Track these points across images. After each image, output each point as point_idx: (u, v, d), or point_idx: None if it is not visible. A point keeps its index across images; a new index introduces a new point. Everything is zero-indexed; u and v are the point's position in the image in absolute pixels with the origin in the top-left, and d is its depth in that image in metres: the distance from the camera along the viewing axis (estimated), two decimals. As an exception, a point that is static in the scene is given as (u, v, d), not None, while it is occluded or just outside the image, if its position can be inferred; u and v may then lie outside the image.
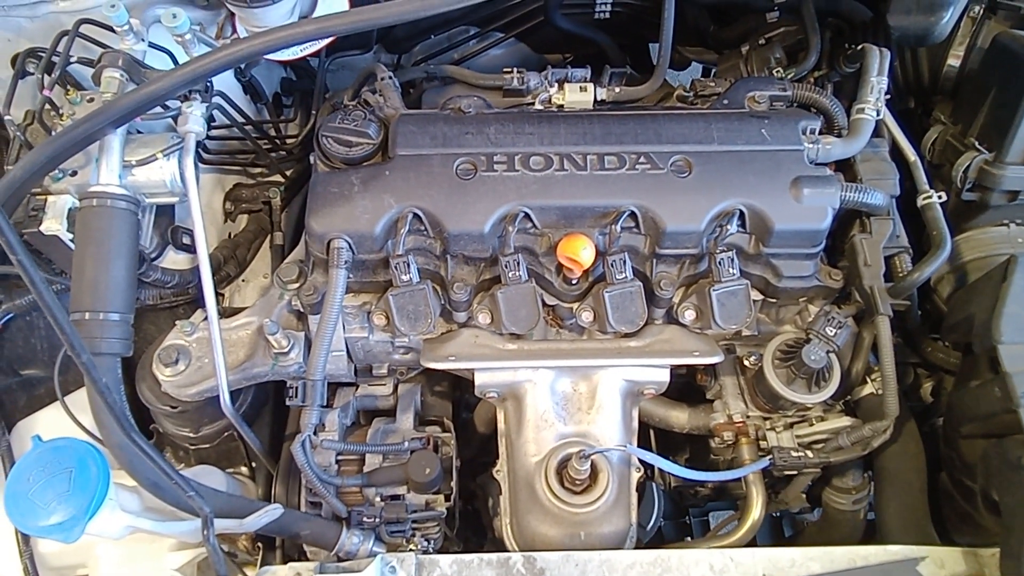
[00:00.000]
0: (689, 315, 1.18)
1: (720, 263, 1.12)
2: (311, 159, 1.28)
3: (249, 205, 1.53)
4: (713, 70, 1.59)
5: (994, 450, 1.02)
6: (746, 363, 1.24)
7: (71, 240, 1.06)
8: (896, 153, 1.23)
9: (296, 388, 1.13)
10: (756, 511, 1.21)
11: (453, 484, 1.20)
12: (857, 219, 1.20)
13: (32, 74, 1.17)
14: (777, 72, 1.36)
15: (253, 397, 1.31)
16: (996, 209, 1.24)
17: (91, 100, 1.11)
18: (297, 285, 1.21)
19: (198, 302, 1.35)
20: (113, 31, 1.05)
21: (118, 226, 0.98)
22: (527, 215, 1.11)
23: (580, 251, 1.09)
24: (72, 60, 1.10)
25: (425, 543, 1.14)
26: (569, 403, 1.17)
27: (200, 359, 1.19)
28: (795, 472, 1.21)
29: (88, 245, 0.97)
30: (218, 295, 1.40)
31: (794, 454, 1.16)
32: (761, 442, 1.25)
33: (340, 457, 1.19)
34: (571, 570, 0.98)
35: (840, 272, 1.19)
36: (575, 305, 1.18)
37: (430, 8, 0.96)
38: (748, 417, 1.24)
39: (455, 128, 1.15)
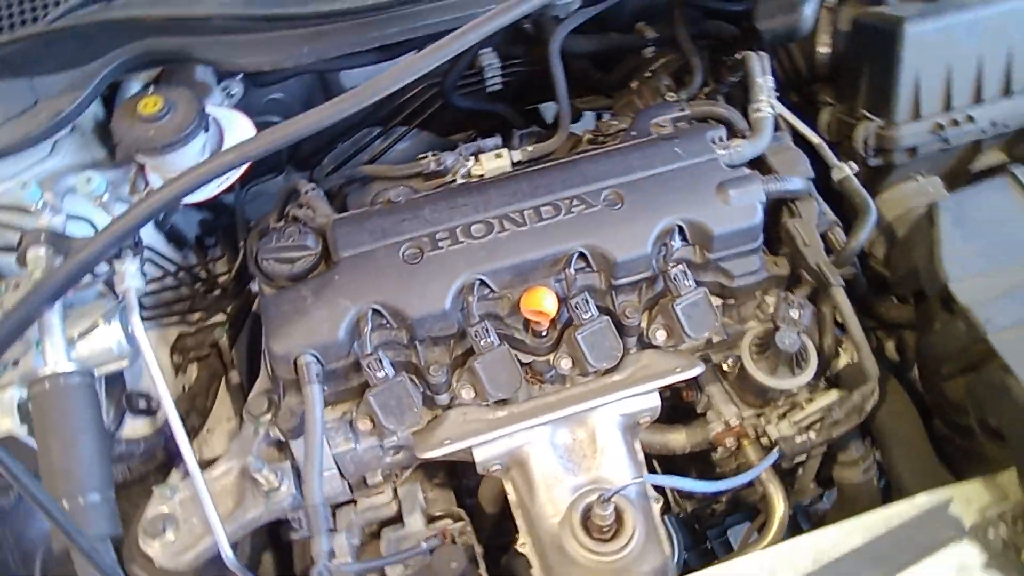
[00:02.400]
0: (660, 335, 1.20)
1: (675, 278, 1.16)
2: (252, 287, 1.27)
3: (197, 352, 1.49)
4: (607, 114, 1.67)
5: (977, 382, 1.07)
6: (725, 367, 1.27)
7: (27, 434, 1.01)
8: (799, 140, 1.31)
9: (299, 519, 1.08)
10: (780, 506, 1.22)
11: (483, 572, 1.16)
12: (783, 207, 1.26)
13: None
14: (670, 97, 1.44)
15: (251, 546, 1.25)
16: (901, 167, 1.33)
17: (17, 285, 1.08)
18: (270, 416, 1.18)
19: (167, 465, 1.29)
20: (27, 211, 1.04)
21: (77, 403, 0.94)
22: (483, 282, 1.13)
23: (542, 302, 1.11)
24: (-11, 251, 1.07)
25: None
26: (573, 454, 1.16)
27: (188, 521, 1.14)
28: (804, 458, 1.22)
29: (49, 432, 0.92)
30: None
31: (799, 439, 1.18)
32: (762, 439, 1.26)
33: (362, 580, 1.14)
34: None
35: (783, 259, 1.24)
36: (551, 356, 1.18)
37: (340, 112, 0.99)
38: (743, 419, 1.26)
39: (391, 218, 1.17)
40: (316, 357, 1.08)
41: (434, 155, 1.39)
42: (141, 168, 1.22)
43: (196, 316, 1.51)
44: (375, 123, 1.75)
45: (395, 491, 1.29)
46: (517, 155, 1.40)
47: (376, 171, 1.44)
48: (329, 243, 1.16)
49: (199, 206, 1.59)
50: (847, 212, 1.31)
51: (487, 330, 1.12)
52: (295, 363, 1.08)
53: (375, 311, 1.10)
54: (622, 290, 1.18)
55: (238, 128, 1.24)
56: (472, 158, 1.39)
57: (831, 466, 1.31)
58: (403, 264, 1.12)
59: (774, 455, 1.18)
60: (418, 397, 1.12)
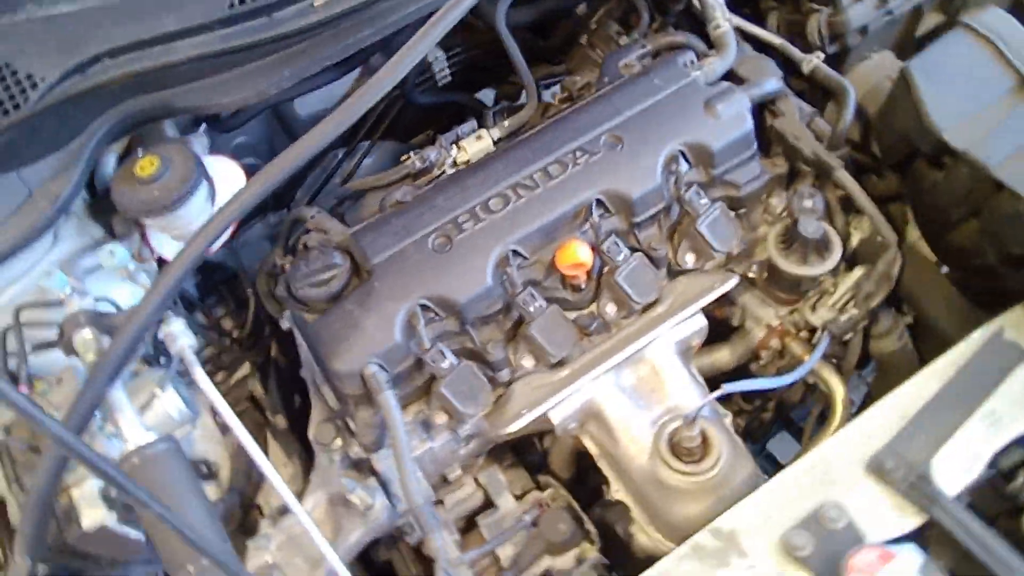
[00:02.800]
0: (689, 258, 1.24)
1: (690, 201, 1.20)
2: (284, 323, 1.26)
3: (235, 409, 1.47)
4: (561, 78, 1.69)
5: (990, 218, 1.13)
6: (751, 275, 1.32)
7: (118, 522, 0.99)
8: (758, 47, 1.37)
9: (410, 523, 1.09)
10: (840, 388, 1.27)
11: (589, 525, 1.18)
12: (764, 111, 1.32)
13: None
14: (624, 41, 1.48)
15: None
16: (855, 49, 1.40)
17: (60, 380, 1.05)
18: (341, 441, 1.18)
19: (244, 526, 1.28)
20: (54, 303, 1.01)
21: (174, 469, 0.92)
22: (515, 251, 1.15)
23: (578, 253, 1.14)
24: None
25: None
26: (641, 391, 1.19)
27: (292, 563, 1.14)
28: (850, 336, 1.28)
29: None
30: (256, 505, 1.33)
31: (843, 318, 1.24)
32: (801, 333, 1.32)
33: (477, 568, 1.15)
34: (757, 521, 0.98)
35: (779, 158, 1.30)
36: (593, 308, 1.21)
37: (337, 128, 1.01)
38: (782, 317, 1.31)
39: (408, 216, 1.18)
40: (380, 365, 1.08)
41: (415, 153, 1.40)
42: (143, 233, 1.20)
43: (219, 376, 1.49)
44: (339, 145, 1.75)
45: (476, 480, 1.30)
46: (496, 132, 1.41)
47: (364, 184, 1.44)
48: (356, 256, 1.16)
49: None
50: (817, 102, 1.37)
51: (532, 295, 1.14)
52: (362, 376, 1.08)
53: (422, 306, 1.11)
54: (642, 226, 1.21)
55: (226, 172, 1.23)
56: (453, 147, 1.40)
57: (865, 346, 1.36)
58: (435, 254, 1.14)
59: (825, 338, 1.23)
60: (484, 378, 1.13)
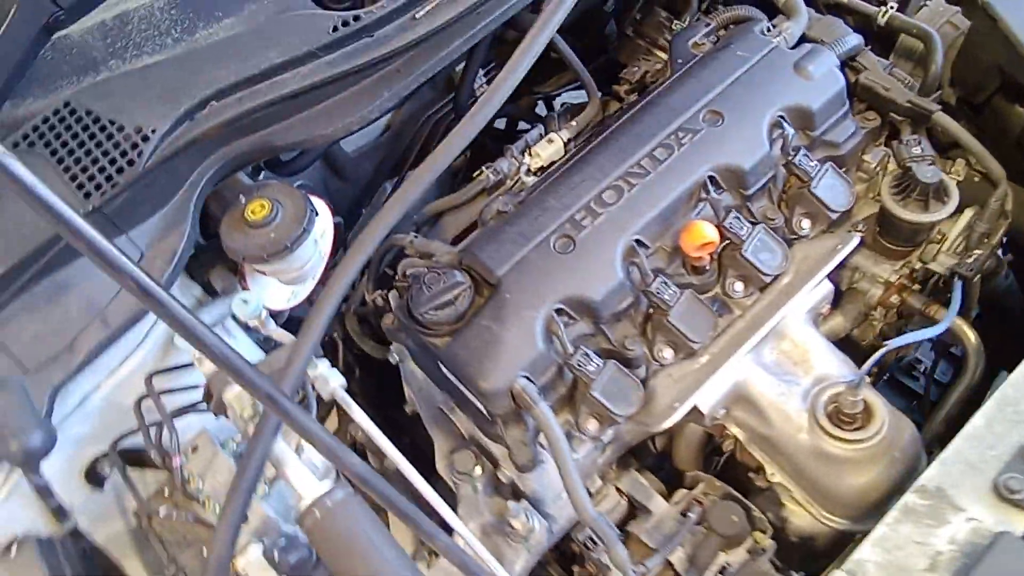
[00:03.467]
0: (805, 224, 1.21)
1: (800, 164, 1.18)
2: (393, 357, 1.21)
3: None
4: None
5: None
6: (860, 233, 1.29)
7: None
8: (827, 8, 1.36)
9: (590, 539, 1.03)
10: (972, 335, 1.24)
11: (757, 512, 1.14)
12: (846, 69, 1.30)
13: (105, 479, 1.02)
14: (676, 26, 1.47)
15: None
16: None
17: (196, 448, 0.99)
18: (481, 468, 1.13)
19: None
20: (190, 365, 0.96)
21: (358, 515, 0.86)
22: (638, 240, 1.11)
23: (704, 232, 1.10)
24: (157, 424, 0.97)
25: None
26: (785, 365, 1.15)
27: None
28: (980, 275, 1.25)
29: (343, 556, 0.84)
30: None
31: (969, 260, 1.21)
32: (915, 287, 1.30)
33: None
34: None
35: (869, 112, 1.28)
36: (718, 288, 1.18)
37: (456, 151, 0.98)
38: (899, 271, 1.29)
39: (523, 222, 1.14)
40: (527, 377, 1.03)
41: (487, 167, 1.37)
42: (244, 284, 1.15)
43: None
44: (386, 176, 1.71)
45: (617, 489, 1.25)
46: (566, 134, 1.39)
47: (441, 205, 1.40)
48: (477, 271, 1.11)
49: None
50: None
51: (666, 283, 1.10)
52: (512, 392, 1.03)
53: (558, 310, 1.07)
54: (755, 197, 1.18)
55: (320, 211, 1.19)
56: (524, 154, 1.37)
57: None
58: (561, 255, 1.10)
59: (958, 289, 1.20)
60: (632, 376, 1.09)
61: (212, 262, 1.16)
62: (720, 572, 1.10)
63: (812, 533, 1.18)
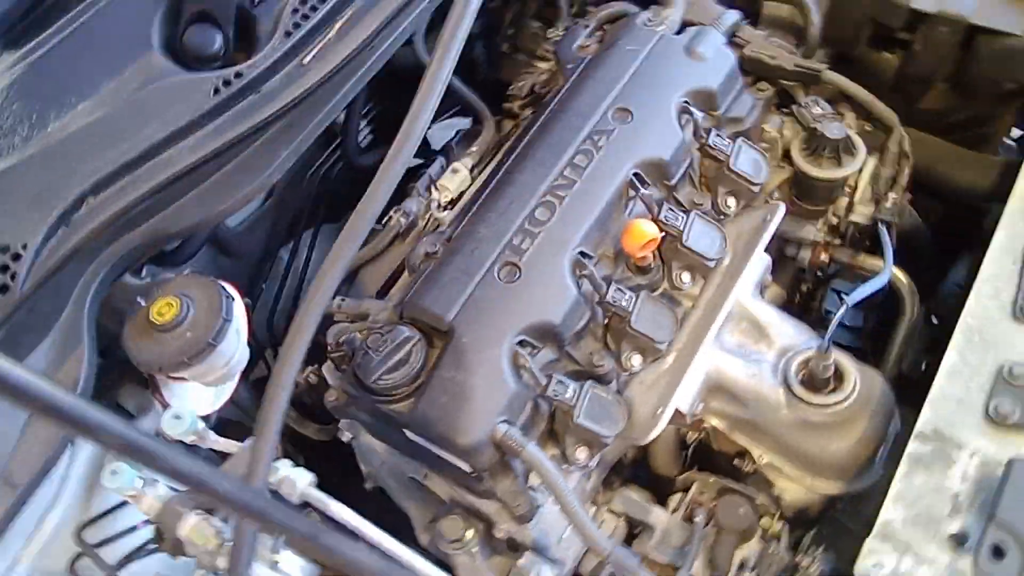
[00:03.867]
0: (731, 202, 1.21)
1: (715, 144, 1.17)
2: (345, 435, 1.11)
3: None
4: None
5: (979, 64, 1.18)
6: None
7: None
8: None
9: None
10: (904, 276, 1.28)
11: (761, 498, 1.11)
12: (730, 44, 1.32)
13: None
14: (552, 34, 1.45)
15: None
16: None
17: None
18: (473, 531, 1.04)
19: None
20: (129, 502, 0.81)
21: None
22: (582, 252, 1.06)
23: (645, 230, 1.06)
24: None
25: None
26: (748, 345, 1.14)
27: None
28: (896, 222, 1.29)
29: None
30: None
31: (888, 204, 1.25)
32: (836, 242, 1.33)
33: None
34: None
35: (760, 83, 1.30)
36: (666, 284, 1.15)
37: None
38: (822, 230, 1.31)
39: (457, 260, 1.06)
40: (508, 421, 0.96)
41: (396, 211, 1.30)
42: (159, 396, 1.01)
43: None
44: (282, 242, 1.59)
45: (610, 511, 1.19)
46: (468, 161, 1.34)
47: (355, 260, 1.31)
48: (424, 321, 1.02)
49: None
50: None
51: (620, 290, 1.06)
52: (494, 440, 0.94)
53: (520, 343, 1.00)
54: (679, 188, 1.17)
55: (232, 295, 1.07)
56: (430, 190, 1.31)
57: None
58: (509, 285, 1.03)
59: (885, 231, 1.23)
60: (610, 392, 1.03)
61: (116, 381, 1.02)
62: (740, 568, 1.07)
63: (806, 504, 1.16)
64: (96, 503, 0.87)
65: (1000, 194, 1.14)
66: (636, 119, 1.15)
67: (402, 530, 1.04)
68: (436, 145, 1.61)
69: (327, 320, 1.19)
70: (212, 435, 0.89)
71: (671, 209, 1.11)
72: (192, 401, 1.04)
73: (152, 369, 0.88)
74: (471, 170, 1.35)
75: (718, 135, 1.18)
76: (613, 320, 1.08)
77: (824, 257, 1.32)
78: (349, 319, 1.11)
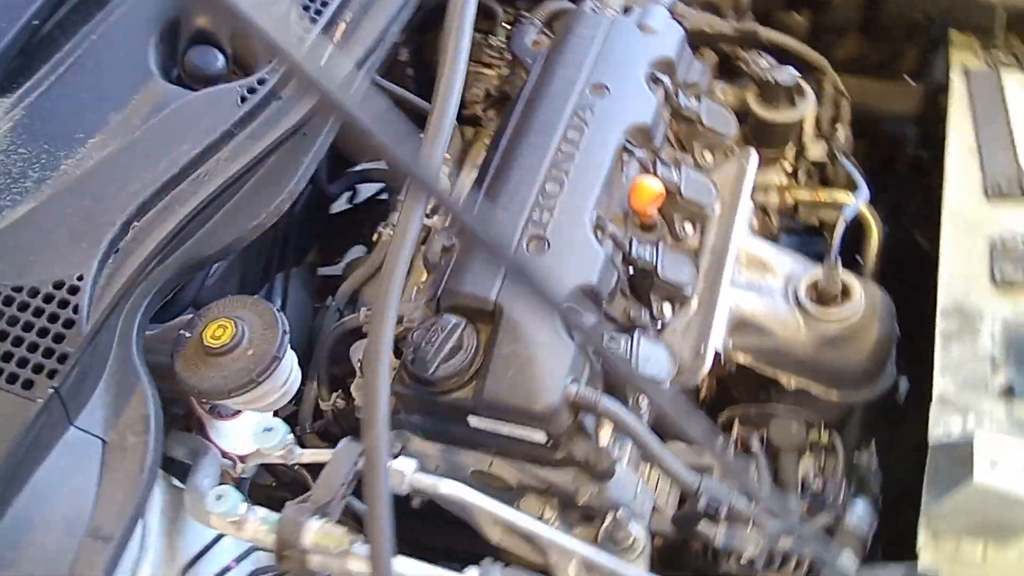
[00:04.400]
0: (708, 157, 1.29)
1: (685, 106, 1.25)
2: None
3: None
4: None
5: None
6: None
7: None
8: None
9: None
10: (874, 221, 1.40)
11: (804, 415, 1.16)
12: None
13: None
14: (493, 41, 1.51)
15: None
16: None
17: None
18: (552, 508, 1.04)
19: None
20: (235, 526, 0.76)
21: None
22: (598, 216, 1.10)
23: (652, 187, 1.13)
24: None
25: None
26: (756, 280, 1.21)
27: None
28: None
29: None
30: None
31: (841, 138, 1.36)
32: (797, 180, 1.44)
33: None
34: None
35: (703, 50, 1.41)
36: (670, 239, 1.21)
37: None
38: (785, 172, 1.41)
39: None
40: (575, 380, 0.97)
41: (384, 227, 1.31)
42: (203, 430, 0.96)
43: None
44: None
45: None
46: (444, 168, 1.37)
47: (356, 280, 1.30)
48: (467, 306, 1.03)
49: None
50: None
51: (642, 245, 1.10)
52: (570, 399, 0.95)
53: (566, 308, 1.02)
54: (662, 150, 1.24)
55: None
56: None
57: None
58: (539, 256, 1.05)
59: (847, 161, 1.34)
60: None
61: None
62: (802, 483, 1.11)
63: (839, 418, 1.23)
64: (181, 548, 0.81)
65: (925, 116, 1.28)
66: (613, 92, 1.22)
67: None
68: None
69: (349, 337, 1.17)
70: (299, 449, 0.86)
71: (666, 165, 1.18)
72: (236, 441, 1.00)
73: (220, 395, 0.83)
74: (449, 175, 1.37)
75: (685, 97, 1.26)
76: (638, 275, 1.12)
77: (790, 200, 1.42)
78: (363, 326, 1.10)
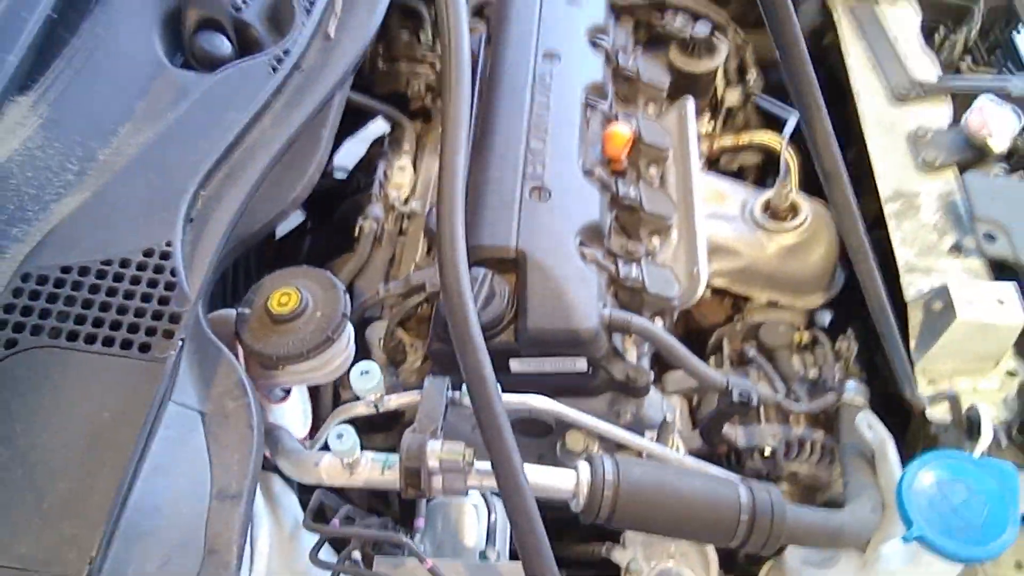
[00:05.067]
0: (651, 108, 1.43)
1: (625, 64, 1.39)
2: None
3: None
4: None
5: None
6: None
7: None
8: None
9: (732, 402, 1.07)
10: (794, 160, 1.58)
11: (787, 318, 1.30)
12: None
13: None
14: (423, 37, 1.58)
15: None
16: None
17: None
18: (594, 441, 1.11)
19: None
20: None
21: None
22: (582, 163, 1.20)
23: (623, 133, 1.24)
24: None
25: None
26: (717, 208, 1.35)
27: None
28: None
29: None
30: None
31: (751, 82, 1.54)
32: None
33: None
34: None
35: (623, 16, 1.55)
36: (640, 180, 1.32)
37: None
38: (708, 122, 1.58)
39: (487, 204, 1.12)
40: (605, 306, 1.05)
41: (363, 218, 1.34)
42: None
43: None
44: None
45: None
46: (407, 158, 1.43)
47: (348, 274, 1.31)
48: (490, 256, 1.08)
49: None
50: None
51: (626, 184, 1.21)
52: (607, 323, 1.03)
53: (579, 244, 1.11)
54: (613, 104, 1.36)
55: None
56: (384, 192, 1.37)
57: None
58: (546, 203, 1.13)
59: (767, 100, 1.52)
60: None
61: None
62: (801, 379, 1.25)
63: (806, 322, 1.37)
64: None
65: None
66: (564, 58, 1.32)
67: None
68: (350, 162, 1.65)
69: (362, 326, 1.19)
70: (387, 396, 0.87)
71: (626, 114, 1.30)
72: (291, 423, 0.99)
73: (298, 358, 0.84)
74: (413, 164, 1.42)
75: (624, 57, 1.39)
76: (625, 212, 1.22)
77: (716, 146, 1.58)
78: (402, 298, 1.13)
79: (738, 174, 1.63)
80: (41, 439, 0.65)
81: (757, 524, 0.81)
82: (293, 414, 0.99)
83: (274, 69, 0.87)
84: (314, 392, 1.13)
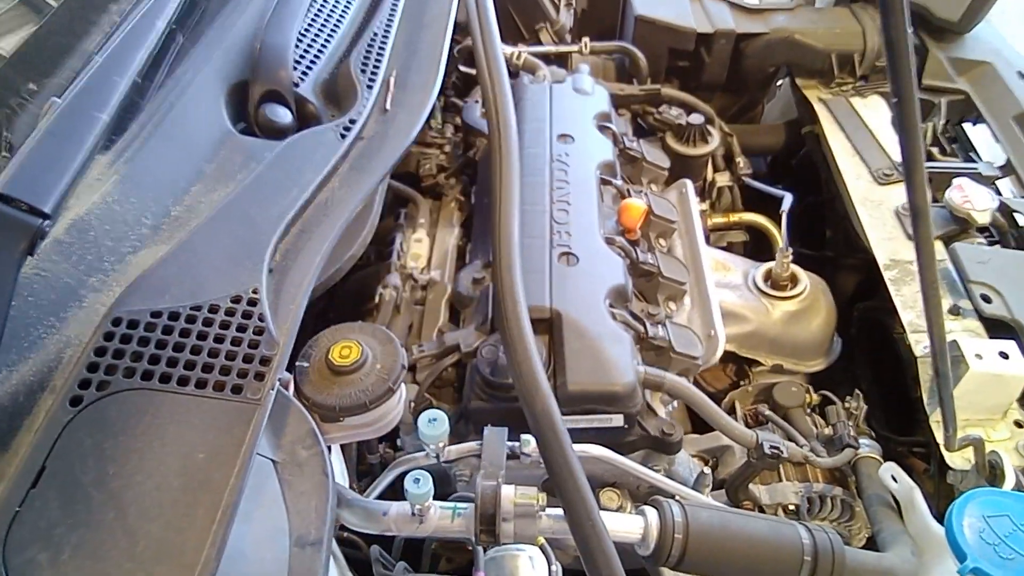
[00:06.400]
0: (654, 187, 1.52)
1: (631, 147, 1.49)
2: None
3: None
4: None
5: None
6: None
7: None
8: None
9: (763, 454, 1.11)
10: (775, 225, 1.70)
11: (797, 380, 1.36)
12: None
13: None
14: (435, 124, 1.67)
15: None
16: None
17: None
18: (626, 498, 1.13)
19: None
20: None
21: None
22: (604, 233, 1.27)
23: (639, 206, 1.32)
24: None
25: None
26: (723, 277, 1.43)
27: None
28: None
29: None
30: None
31: (742, 167, 1.66)
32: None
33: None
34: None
35: (619, 109, 1.67)
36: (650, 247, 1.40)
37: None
38: (703, 202, 1.68)
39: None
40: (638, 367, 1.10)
41: (383, 287, 1.37)
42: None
43: None
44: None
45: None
46: (422, 231, 1.48)
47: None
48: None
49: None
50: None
51: (645, 251, 1.28)
52: (641, 382, 1.07)
53: (609, 306, 1.15)
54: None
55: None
56: (403, 263, 1.42)
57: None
58: (575, 268, 1.18)
59: (755, 182, 1.63)
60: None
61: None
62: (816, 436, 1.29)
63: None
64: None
65: (787, 146, 1.63)
66: (577, 139, 1.42)
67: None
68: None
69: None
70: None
71: (638, 191, 1.38)
72: (338, 475, 0.99)
73: (359, 409, 0.84)
74: (427, 236, 1.48)
75: (629, 139, 1.50)
76: (642, 278, 1.28)
77: (708, 224, 1.69)
78: (435, 359, 1.15)
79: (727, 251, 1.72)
80: (134, 481, 0.64)
81: (820, 564, 0.83)
82: (338, 469, 0.98)
83: (342, 136, 0.92)
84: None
